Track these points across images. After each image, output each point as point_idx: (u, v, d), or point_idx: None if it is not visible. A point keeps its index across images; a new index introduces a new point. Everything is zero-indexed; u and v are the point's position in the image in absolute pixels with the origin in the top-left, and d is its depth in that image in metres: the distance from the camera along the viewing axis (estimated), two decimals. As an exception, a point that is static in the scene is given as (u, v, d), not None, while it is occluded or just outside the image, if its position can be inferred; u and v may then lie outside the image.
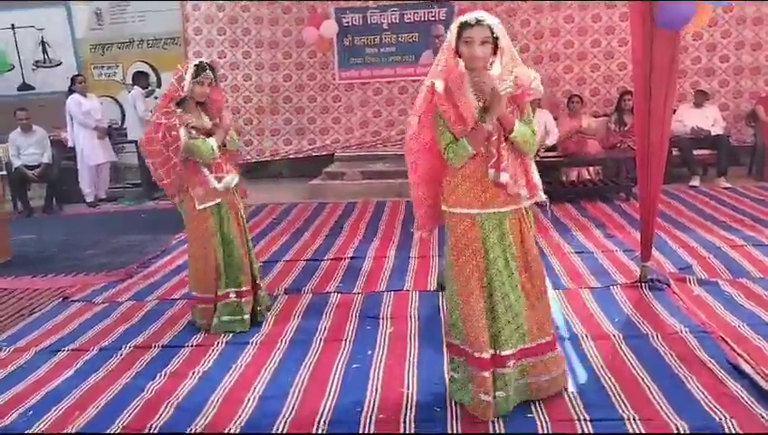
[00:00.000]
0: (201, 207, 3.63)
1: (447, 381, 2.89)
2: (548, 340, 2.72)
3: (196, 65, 3.53)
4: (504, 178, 2.52)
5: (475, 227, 2.57)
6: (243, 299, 3.74)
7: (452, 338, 2.75)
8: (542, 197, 2.70)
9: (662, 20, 3.56)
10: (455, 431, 2.57)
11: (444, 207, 2.65)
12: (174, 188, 3.67)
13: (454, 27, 2.47)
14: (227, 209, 3.72)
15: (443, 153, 2.56)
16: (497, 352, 2.60)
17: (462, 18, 2.46)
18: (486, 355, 2.57)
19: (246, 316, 3.75)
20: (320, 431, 2.63)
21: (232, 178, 3.70)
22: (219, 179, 3.63)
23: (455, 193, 2.59)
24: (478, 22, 2.42)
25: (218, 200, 3.67)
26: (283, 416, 2.76)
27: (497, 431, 2.55)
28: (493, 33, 2.43)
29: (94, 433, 2.70)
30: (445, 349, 2.98)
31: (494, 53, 2.50)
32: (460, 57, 2.48)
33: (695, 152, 7.41)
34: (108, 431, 2.69)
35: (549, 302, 2.76)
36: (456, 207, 2.59)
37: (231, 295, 3.73)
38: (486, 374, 2.57)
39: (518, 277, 2.63)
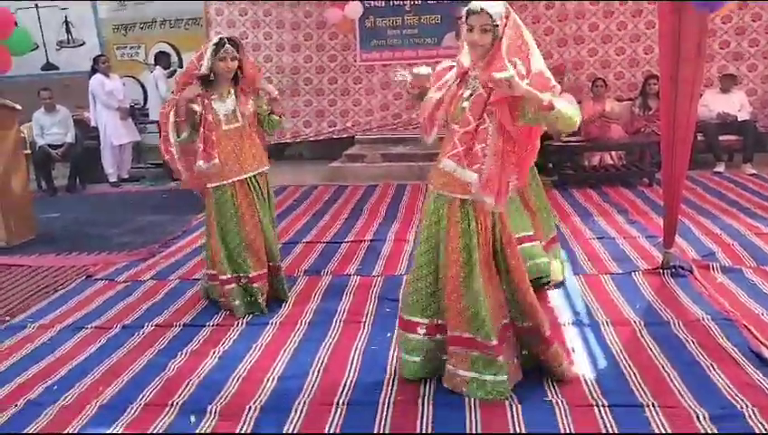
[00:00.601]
0: (210, 186, 3.67)
1: None
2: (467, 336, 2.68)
3: (215, 42, 3.53)
4: (471, 177, 2.53)
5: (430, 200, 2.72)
6: (254, 284, 3.71)
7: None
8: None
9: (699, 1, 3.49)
10: (472, 417, 2.58)
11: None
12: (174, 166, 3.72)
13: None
14: (234, 192, 3.66)
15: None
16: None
17: (468, 7, 2.50)
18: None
19: (260, 299, 3.72)
20: (338, 412, 2.65)
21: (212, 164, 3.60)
22: (209, 158, 3.56)
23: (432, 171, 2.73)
24: (481, 9, 2.46)
25: (232, 179, 3.64)
26: (303, 396, 2.78)
27: (515, 414, 2.55)
28: (493, 21, 2.45)
29: (93, 433, 2.65)
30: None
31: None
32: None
33: (720, 138, 7.28)
34: (109, 431, 2.65)
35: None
36: (430, 184, 2.74)
37: (241, 280, 3.71)
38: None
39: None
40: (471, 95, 2.56)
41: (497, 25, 2.46)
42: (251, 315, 3.70)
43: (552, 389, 2.72)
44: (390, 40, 8.90)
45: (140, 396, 2.84)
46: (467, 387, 2.69)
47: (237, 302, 3.70)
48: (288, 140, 9.25)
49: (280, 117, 3.88)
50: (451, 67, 2.71)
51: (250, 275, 3.71)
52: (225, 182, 3.65)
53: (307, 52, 9.01)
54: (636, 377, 2.78)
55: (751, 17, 7.80)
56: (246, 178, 3.69)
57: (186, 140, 3.61)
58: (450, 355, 2.74)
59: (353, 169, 8.21)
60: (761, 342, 3.00)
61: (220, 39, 3.55)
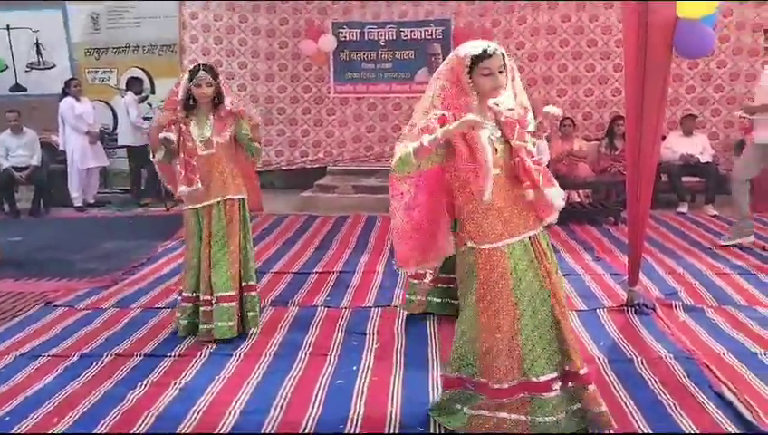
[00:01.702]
0: (186, 207, 3.75)
1: (436, 408, 2.80)
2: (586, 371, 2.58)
3: (191, 69, 3.62)
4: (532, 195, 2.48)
5: (505, 258, 2.48)
6: (222, 304, 3.68)
7: (459, 372, 2.64)
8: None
9: (682, 49, 3.63)
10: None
11: (470, 244, 2.50)
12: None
13: (464, 60, 2.39)
14: (200, 218, 3.72)
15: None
16: (528, 378, 2.51)
17: (476, 49, 2.38)
18: (506, 385, 2.51)
19: (202, 326, 3.70)
20: (301, 447, 2.60)
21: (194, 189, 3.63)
22: (190, 183, 3.61)
23: (480, 228, 2.48)
24: (495, 52, 2.37)
25: (199, 205, 3.69)
26: (265, 430, 2.73)
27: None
28: (505, 62, 2.42)
29: (86, 434, 2.66)
30: (438, 380, 3.00)
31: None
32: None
33: (683, 179, 7.48)
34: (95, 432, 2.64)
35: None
36: (484, 243, 2.48)
37: (207, 301, 3.70)
38: (505, 400, 2.52)
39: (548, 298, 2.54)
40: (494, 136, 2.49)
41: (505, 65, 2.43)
42: (214, 345, 3.64)
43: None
44: (364, 73, 9.01)
45: (96, 428, 2.75)
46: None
47: (184, 321, 3.76)
48: (259, 169, 9.18)
49: (259, 143, 3.89)
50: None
51: (201, 298, 3.72)
52: (195, 206, 3.70)
53: (281, 82, 9.06)
54: (600, 415, 2.79)
55: (716, 64, 8.08)
56: (212, 205, 3.70)
57: (162, 160, 3.71)
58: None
59: (324, 199, 8.22)
60: (721, 381, 3.05)
61: (195, 66, 3.64)
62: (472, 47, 2.40)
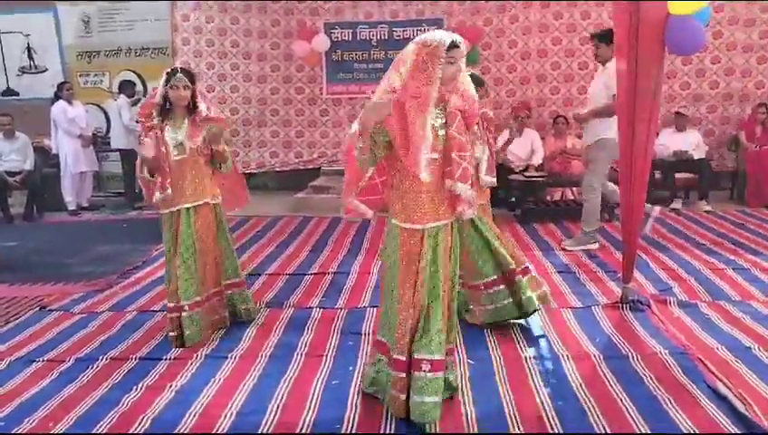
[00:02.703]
0: (162, 212, 3.73)
1: (362, 374, 3.03)
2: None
3: (168, 71, 3.60)
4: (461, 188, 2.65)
5: (425, 239, 2.68)
6: (199, 308, 3.70)
7: (381, 336, 2.89)
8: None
9: (672, 45, 3.64)
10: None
11: (394, 221, 2.71)
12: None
13: (438, 48, 2.48)
14: (172, 221, 3.69)
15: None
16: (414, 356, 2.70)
17: (449, 39, 2.50)
18: (403, 357, 2.70)
19: (179, 331, 3.67)
20: (297, 448, 2.60)
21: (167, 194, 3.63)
22: (163, 188, 3.60)
23: (407, 209, 2.67)
24: (461, 43, 2.56)
25: (172, 209, 3.67)
26: (261, 432, 2.72)
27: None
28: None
29: (85, 434, 2.65)
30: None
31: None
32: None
33: (677, 176, 7.50)
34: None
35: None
36: (407, 223, 2.68)
37: (186, 308, 3.66)
38: (402, 375, 2.70)
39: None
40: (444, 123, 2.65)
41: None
42: (210, 348, 3.64)
43: (512, 420, 2.73)
44: (357, 74, 9.01)
45: (92, 432, 2.74)
46: None
47: (188, 332, 3.69)
48: (254, 171, 9.22)
49: (222, 152, 3.75)
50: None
51: (180, 304, 3.67)
52: (169, 210, 3.69)
53: (274, 83, 9.05)
54: (595, 411, 2.80)
55: (710, 60, 8.09)
56: (184, 210, 3.69)
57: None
58: None
59: (319, 200, 8.21)
60: (716, 376, 3.06)
61: (173, 68, 3.63)
62: (440, 37, 2.51)
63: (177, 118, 3.66)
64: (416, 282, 2.68)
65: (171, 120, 3.65)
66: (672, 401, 2.84)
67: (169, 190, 3.59)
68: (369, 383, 2.98)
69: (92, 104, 9.57)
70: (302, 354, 3.53)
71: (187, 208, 3.69)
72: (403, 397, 2.69)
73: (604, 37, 5.23)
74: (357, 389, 3.07)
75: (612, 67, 5.08)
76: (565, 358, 3.36)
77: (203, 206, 3.74)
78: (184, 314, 3.64)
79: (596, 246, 5.59)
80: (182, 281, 3.64)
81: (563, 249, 5.62)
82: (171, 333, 3.70)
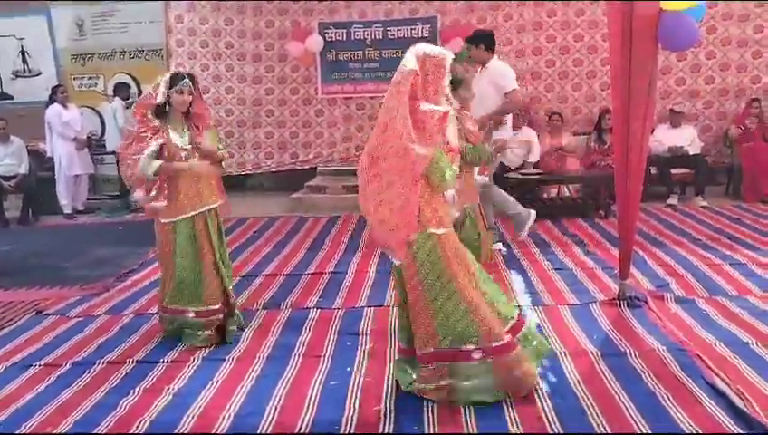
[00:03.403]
0: (164, 221, 3.67)
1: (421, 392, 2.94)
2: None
3: (172, 74, 3.56)
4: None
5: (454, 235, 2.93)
6: (203, 319, 3.69)
7: (446, 345, 2.85)
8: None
9: (666, 41, 3.64)
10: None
11: (431, 230, 2.81)
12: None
13: (446, 59, 2.85)
14: (193, 226, 3.66)
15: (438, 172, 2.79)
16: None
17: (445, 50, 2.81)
18: (504, 340, 2.83)
19: (207, 333, 3.70)
20: (296, 449, 2.59)
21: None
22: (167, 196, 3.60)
23: (438, 213, 2.85)
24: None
25: (180, 217, 3.63)
26: (259, 433, 2.72)
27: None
28: None
29: (85, 433, 2.64)
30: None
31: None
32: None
33: (673, 171, 7.50)
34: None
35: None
36: (441, 228, 2.84)
37: (189, 314, 3.69)
38: (516, 351, 2.85)
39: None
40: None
41: None
42: (207, 350, 3.63)
43: (511, 418, 2.72)
44: (352, 73, 8.99)
45: (90, 436, 2.73)
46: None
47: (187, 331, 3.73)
48: (249, 171, 9.20)
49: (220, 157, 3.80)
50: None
51: (201, 310, 3.70)
52: (180, 217, 3.65)
53: (269, 84, 9.04)
54: (593, 408, 2.80)
55: (705, 56, 8.08)
56: (197, 215, 3.69)
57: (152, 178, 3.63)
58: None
59: (315, 200, 8.20)
60: (714, 372, 3.06)
61: (178, 72, 3.59)
62: (440, 49, 2.88)
63: (176, 121, 3.64)
64: (468, 271, 2.86)
65: (171, 123, 3.62)
66: (670, 398, 2.84)
67: (165, 202, 3.59)
68: (447, 395, 2.90)
69: (87, 107, 9.53)
70: (299, 355, 3.53)
71: (208, 210, 3.71)
72: (527, 366, 2.86)
73: (474, 39, 5.35)
74: (355, 389, 3.07)
75: (494, 65, 5.26)
76: (563, 355, 3.36)
77: (212, 211, 3.76)
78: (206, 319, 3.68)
79: (531, 212, 5.51)
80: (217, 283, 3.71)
81: (518, 241, 5.70)
82: (207, 332, 3.69)
